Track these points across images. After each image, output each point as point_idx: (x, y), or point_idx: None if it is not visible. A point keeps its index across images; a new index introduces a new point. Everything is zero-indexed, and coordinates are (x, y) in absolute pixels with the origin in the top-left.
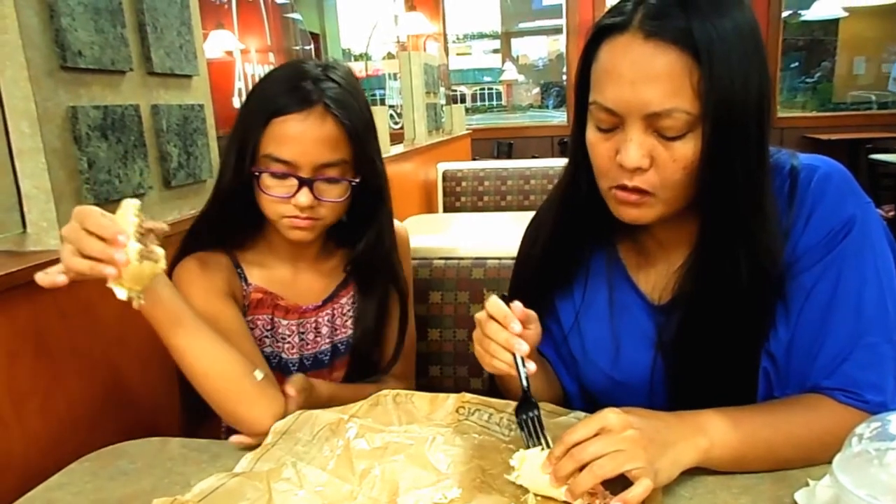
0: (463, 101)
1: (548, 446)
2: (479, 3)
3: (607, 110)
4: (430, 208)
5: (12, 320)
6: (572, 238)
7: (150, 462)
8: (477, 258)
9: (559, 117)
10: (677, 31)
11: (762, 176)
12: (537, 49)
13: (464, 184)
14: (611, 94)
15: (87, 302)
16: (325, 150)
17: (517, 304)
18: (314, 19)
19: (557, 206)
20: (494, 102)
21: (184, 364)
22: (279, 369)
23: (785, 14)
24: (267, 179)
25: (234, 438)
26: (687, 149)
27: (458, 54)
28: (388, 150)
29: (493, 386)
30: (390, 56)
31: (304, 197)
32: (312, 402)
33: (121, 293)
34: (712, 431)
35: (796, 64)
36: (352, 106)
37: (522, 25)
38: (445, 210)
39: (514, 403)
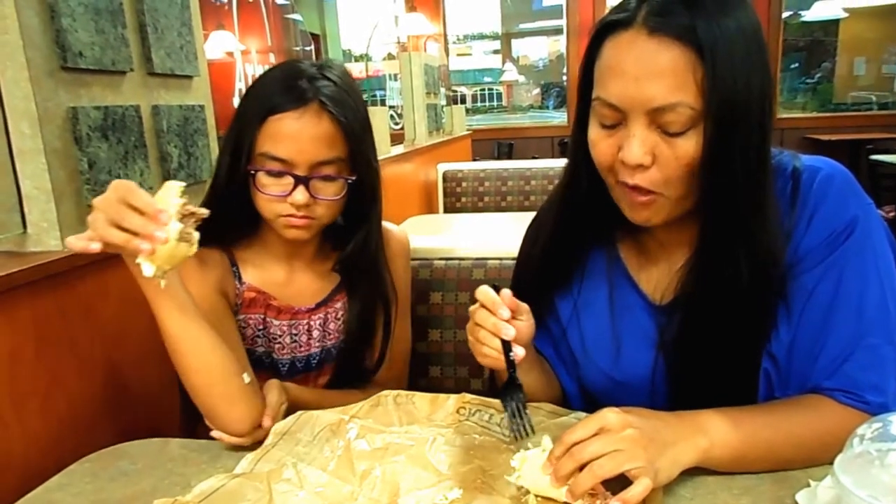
0: (463, 101)
1: (532, 430)
2: (480, 3)
3: (611, 106)
4: (430, 209)
5: (13, 321)
6: (572, 237)
7: (151, 463)
8: (477, 259)
9: (559, 118)
10: (681, 27)
11: (763, 176)
12: (538, 50)
13: (464, 184)
14: (614, 90)
15: (88, 303)
16: (322, 147)
17: (506, 292)
18: (314, 20)
19: (558, 205)
20: (495, 103)
21: (178, 354)
22: (271, 369)
23: (785, 15)
24: (263, 178)
25: (215, 433)
26: (689, 145)
27: (458, 55)
28: (388, 150)
29: (494, 387)
30: (391, 57)
31: (301, 195)
32: (293, 408)
33: (148, 269)
34: (712, 431)
35: (796, 64)
36: (348, 104)
37: (523, 26)
38: (446, 210)
39: None
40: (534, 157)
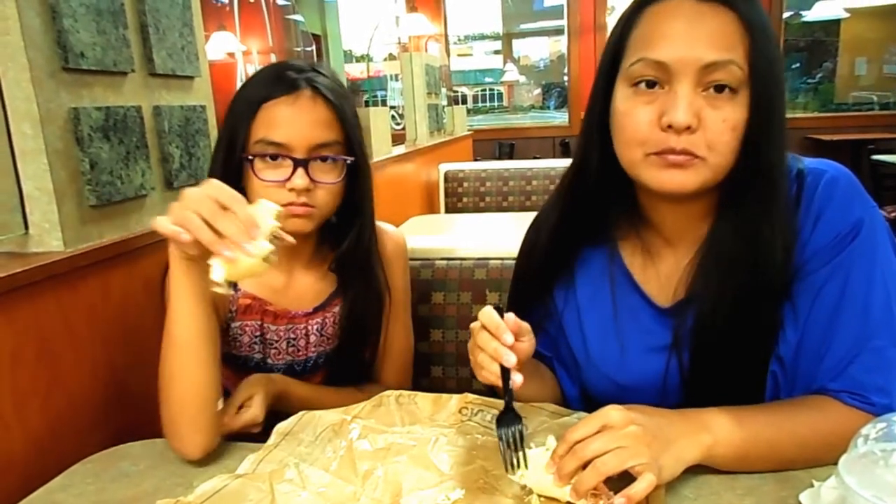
0: (464, 101)
1: (526, 464)
2: (481, 4)
3: (657, 65)
4: (431, 209)
5: (14, 321)
6: (575, 234)
7: (153, 463)
8: (479, 259)
9: (560, 118)
10: (727, 1)
11: (784, 162)
12: (538, 50)
13: (465, 184)
14: (663, 49)
15: (90, 303)
16: (319, 130)
17: (510, 316)
18: (315, 21)
19: (561, 201)
20: (496, 103)
21: (171, 363)
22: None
23: (786, 15)
24: (260, 164)
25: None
26: (734, 109)
27: (459, 55)
28: (389, 150)
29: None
30: (392, 57)
31: (301, 179)
32: (283, 402)
33: (219, 274)
34: (716, 429)
35: (798, 65)
36: (339, 91)
37: (524, 26)
38: (447, 211)
39: (517, 404)
40: (535, 158)
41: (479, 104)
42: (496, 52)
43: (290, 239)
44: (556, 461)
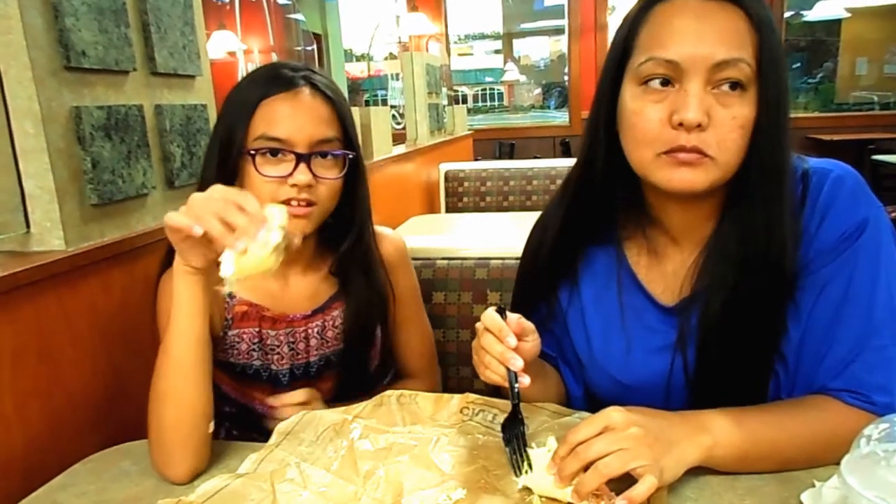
0: (465, 101)
1: (530, 467)
2: (481, 3)
3: (668, 64)
4: (432, 209)
5: (15, 321)
6: (579, 234)
7: None
8: (480, 258)
9: (561, 118)
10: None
11: (788, 162)
12: (539, 50)
13: (466, 184)
14: (675, 47)
15: (91, 302)
16: (319, 125)
17: (513, 317)
18: (316, 20)
19: (568, 198)
20: (496, 103)
21: (165, 374)
22: (270, 381)
23: (787, 15)
24: (261, 160)
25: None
26: (743, 107)
27: (459, 55)
28: (390, 150)
29: (497, 386)
30: (392, 56)
31: (303, 174)
32: None
33: (229, 269)
34: (716, 430)
35: (798, 64)
36: (335, 89)
37: (524, 26)
38: (448, 210)
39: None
40: (535, 157)
41: (480, 104)
42: (497, 52)
43: (298, 242)
44: (558, 462)
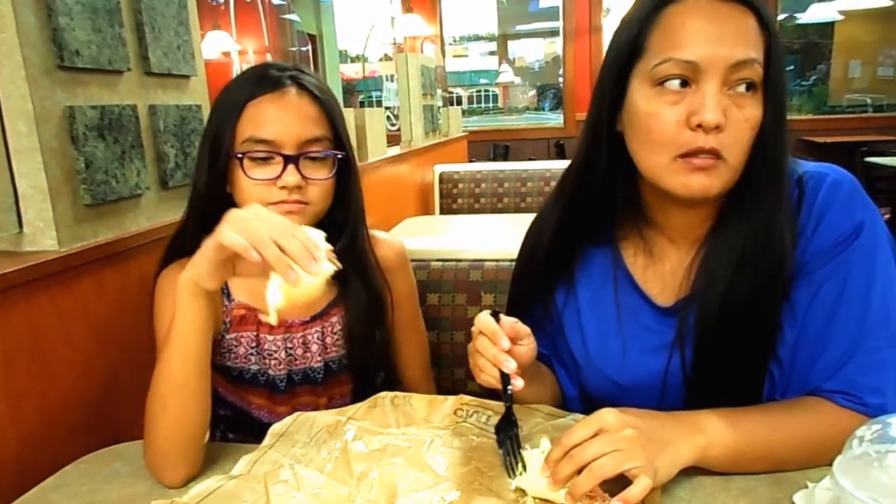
0: (459, 103)
1: (524, 468)
2: (476, 5)
3: (687, 64)
4: (426, 210)
5: (8, 321)
6: (576, 235)
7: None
8: (474, 260)
9: (555, 119)
10: (745, 1)
11: (788, 159)
12: (534, 51)
13: (460, 186)
14: (692, 48)
15: (84, 303)
16: (307, 125)
17: (506, 320)
18: (311, 21)
19: (565, 199)
20: (491, 104)
21: (163, 392)
22: (267, 386)
23: (781, 17)
24: (249, 163)
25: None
26: (754, 108)
27: (454, 56)
28: (384, 151)
29: (491, 388)
30: (387, 58)
31: (292, 176)
32: None
33: (276, 299)
34: (710, 430)
35: (792, 67)
36: (324, 89)
37: (519, 28)
38: (442, 212)
39: (514, 407)
40: (530, 159)
41: (475, 105)
42: (491, 54)
43: (338, 265)
44: (552, 465)
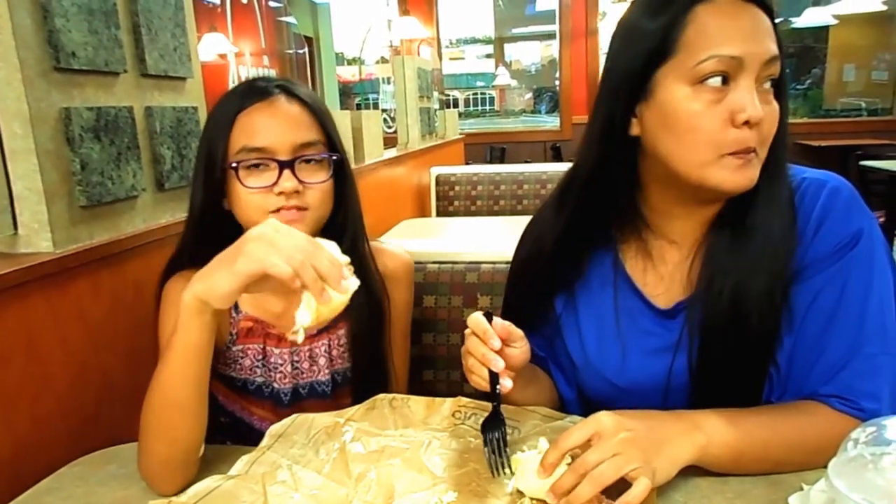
0: (456, 105)
1: (510, 469)
2: (473, 8)
3: (732, 60)
4: (423, 212)
5: (3, 323)
6: (580, 238)
7: None
8: (470, 262)
9: (552, 122)
10: (761, 2)
11: (787, 158)
12: (530, 54)
13: (457, 188)
14: (736, 44)
15: (79, 305)
16: (299, 130)
17: (499, 321)
18: (308, 23)
19: (573, 204)
20: (487, 107)
21: (159, 410)
22: (271, 398)
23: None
24: (244, 172)
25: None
26: (775, 104)
27: (451, 59)
28: (381, 153)
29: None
30: (384, 60)
31: (289, 181)
32: None
33: (306, 319)
34: (709, 429)
35: (787, 70)
36: (314, 96)
37: (515, 31)
38: (439, 214)
39: (510, 408)
40: (526, 162)
41: (471, 108)
42: (488, 57)
43: (357, 280)
44: (546, 467)
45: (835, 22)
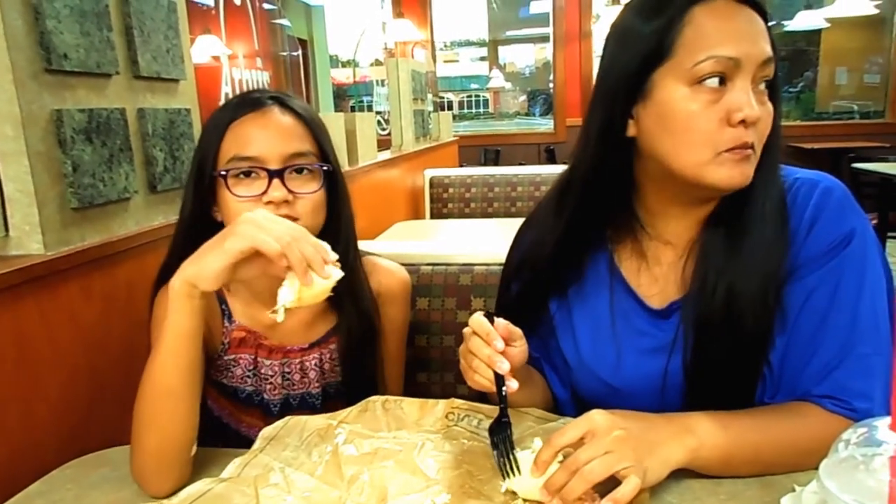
0: (450, 107)
1: (518, 470)
2: (467, 10)
3: (729, 61)
4: (416, 214)
5: None
6: (578, 240)
7: None
8: (464, 264)
9: (546, 125)
10: (755, 4)
11: (779, 159)
12: (524, 57)
13: (451, 190)
14: (733, 45)
15: (70, 307)
16: (290, 140)
17: (500, 321)
18: (302, 26)
19: (573, 207)
20: (481, 109)
21: (151, 402)
22: (261, 408)
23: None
24: (233, 181)
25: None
26: (770, 105)
27: (445, 61)
28: (375, 156)
29: (483, 392)
30: (378, 63)
31: (278, 191)
32: None
33: (288, 298)
34: (701, 432)
35: (779, 73)
36: (307, 108)
37: (510, 33)
38: (432, 216)
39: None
40: (520, 164)
41: (465, 110)
42: (482, 59)
43: (341, 273)
44: (539, 464)
45: (827, 25)
